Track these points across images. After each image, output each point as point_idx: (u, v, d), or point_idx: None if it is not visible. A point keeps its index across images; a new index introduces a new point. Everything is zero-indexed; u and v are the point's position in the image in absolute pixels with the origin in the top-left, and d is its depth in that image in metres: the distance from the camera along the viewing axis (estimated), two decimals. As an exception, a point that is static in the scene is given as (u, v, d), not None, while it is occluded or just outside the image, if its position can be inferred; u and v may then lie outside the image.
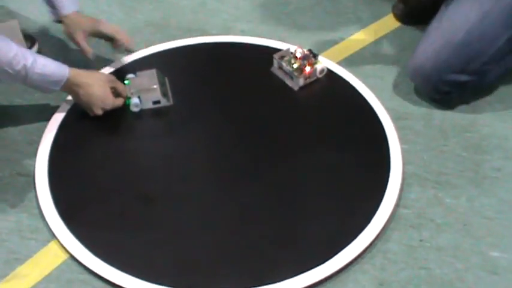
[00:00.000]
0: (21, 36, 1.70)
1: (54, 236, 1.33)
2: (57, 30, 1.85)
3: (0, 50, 1.37)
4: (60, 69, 1.46)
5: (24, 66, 1.40)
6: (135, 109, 1.58)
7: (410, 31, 1.85)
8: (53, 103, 1.62)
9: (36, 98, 1.63)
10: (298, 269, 1.24)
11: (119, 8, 1.97)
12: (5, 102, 1.64)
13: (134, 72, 1.63)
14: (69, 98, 1.58)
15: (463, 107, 1.61)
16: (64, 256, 1.30)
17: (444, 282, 1.24)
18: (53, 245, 1.32)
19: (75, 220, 1.35)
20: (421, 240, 1.31)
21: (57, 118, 1.58)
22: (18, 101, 1.64)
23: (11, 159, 1.50)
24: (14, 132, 1.56)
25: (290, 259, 1.27)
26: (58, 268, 1.28)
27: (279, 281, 1.22)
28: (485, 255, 1.29)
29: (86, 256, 1.28)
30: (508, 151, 1.50)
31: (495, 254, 1.29)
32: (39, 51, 1.73)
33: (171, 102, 1.61)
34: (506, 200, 1.39)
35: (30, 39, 1.75)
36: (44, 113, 1.59)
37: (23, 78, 1.42)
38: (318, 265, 1.24)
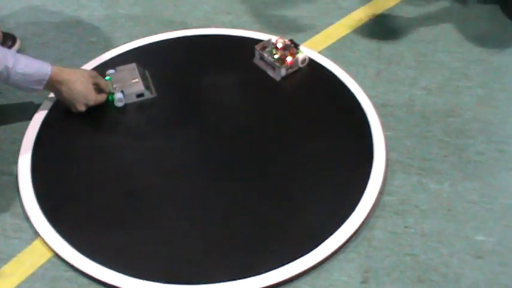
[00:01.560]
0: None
1: (38, 234, 1.32)
2: (37, 27, 1.84)
3: None
4: (43, 67, 1.45)
5: (6, 67, 1.38)
6: (119, 104, 1.57)
7: (391, 19, 1.85)
8: (36, 101, 1.61)
9: (19, 96, 1.62)
10: (284, 260, 1.24)
11: (100, 3, 1.95)
12: (-13, 101, 1.64)
13: (114, 68, 1.62)
14: (52, 95, 1.57)
15: (444, 92, 1.61)
16: (49, 254, 1.29)
17: (429, 268, 1.24)
18: (37, 244, 1.31)
19: (59, 218, 1.34)
20: (405, 227, 1.32)
21: (40, 116, 1.57)
22: (0, 99, 1.63)
23: (-7, 159, 1.49)
24: (-4, 131, 1.56)
25: (276, 250, 1.27)
26: (43, 266, 1.28)
27: (266, 271, 1.22)
28: (470, 239, 1.29)
29: (71, 253, 1.27)
30: (491, 135, 1.50)
31: (479, 237, 1.29)
32: (19, 49, 1.73)
33: (155, 94, 1.60)
34: (490, 184, 1.39)
35: (11, 38, 1.74)
36: (27, 111, 1.58)
37: (5, 79, 1.41)
38: (303, 255, 1.24)
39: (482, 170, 1.42)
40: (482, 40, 1.76)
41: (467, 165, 1.44)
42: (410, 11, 1.87)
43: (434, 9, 1.88)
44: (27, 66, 1.42)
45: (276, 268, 1.23)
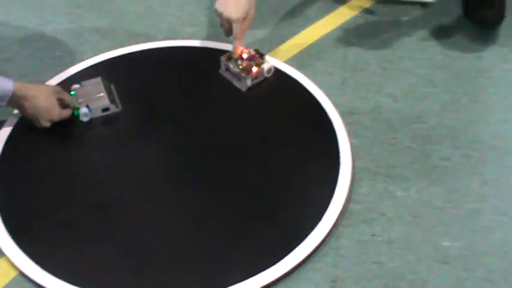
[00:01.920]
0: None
1: (2, 253, 1.30)
2: (0, 42, 1.82)
3: None
4: (4, 84, 1.43)
5: None
6: (84, 118, 1.56)
7: (356, 27, 1.86)
8: (0, 117, 1.59)
9: (-18, 114, 1.61)
10: (251, 271, 1.23)
11: (64, 16, 1.94)
12: (-50, 119, 1.61)
13: (79, 82, 1.61)
14: (16, 112, 1.56)
15: (410, 98, 1.62)
16: (14, 273, 1.27)
17: (396, 275, 1.25)
18: (1, 263, 1.29)
19: (25, 236, 1.33)
20: (372, 235, 1.32)
21: (5, 132, 1.55)
22: (-36, 116, 1.62)
23: (-43, 177, 1.47)
24: (-40, 149, 1.54)
25: (243, 261, 1.26)
26: (7, 286, 1.25)
27: (233, 283, 1.22)
28: (436, 245, 1.30)
29: (36, 272, 1.26)
30: (456, 140, 1.51)
31: (446, 243, 1.30)
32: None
33: (120, 108, 1.59)
34: (455, 189, 1.41)
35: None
36: (-9, 128, 1.57)
37: None
38: (270, 266, 1.24)
39: (447, 175, 1.44)
40: (446, 46, 1.78)
41: (433, 171, 1.45)
42: (374, 19, 1.89)
43: (399, 17, 1.89)
44: None
45: (243, 280, 1.22)
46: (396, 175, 1.44)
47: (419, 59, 1.75)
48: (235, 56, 1.64)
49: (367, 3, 1.95)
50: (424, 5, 1.92)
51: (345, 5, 1.95)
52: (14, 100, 1.46)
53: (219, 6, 1.61)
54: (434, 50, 1.77)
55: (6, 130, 1.55)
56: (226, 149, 1.50)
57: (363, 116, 1.58)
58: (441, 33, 1.83)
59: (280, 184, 1.41)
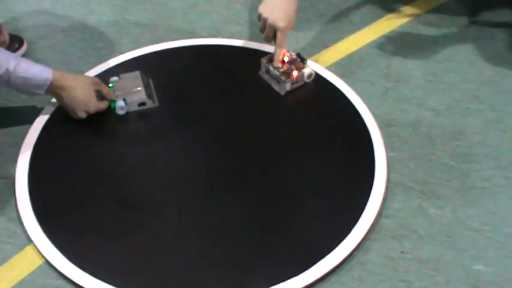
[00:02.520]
0: (6, 38, 1.68)
1: (31, 240, 1.31)
2: (45, 30, 1.84)
3: None
4: (44, 72, 1.44)
5: (7, 70, 1.38)
6: (120, 112, 1.56)
7: (402, 36, 1.82)
8: (39, 105, 1.60)
9: (23, 100, 1.61)
10: (275, 279, 1.21)
11: (110, 8, 1.95)
12: (-10, 103, 1.63)
13: (118, 75, 1.61)
14: (54, 100, 1.57)
15: (453, 114, 1.57)
16: (40, 261, 1.28)
17: (424, 296, 1.22)
18: (29, 250, 1.30)
19: (53, 225, 1.33)
20: (402, 252, 1.29)
21: (41, 120, 1.56)
22: (3, 102, 1.63)
23: (-8, 162, 1.49)
24: (-3, 133, 1.56)
25: (267, 269, 1.24)
26: (33, 273, 1.26)
27: (255, 291, 1.21)
28: (468, 268, 1.26)
29: (61, 262, 1.26)
30: (498, 161, 1.46)
31: (478, 267, 1.26)
32: (26, 52, 1.73)
33: (157, 103, 1.59)
34: (493, 211, 1.36)
35: (17, 40, 1.74)
36: (29, 115, 1.58)
37: (6, 82, 1.41)
38: (294, 276, 1.22)
39: (485, 196, 1.39)
40: (495, 61, 1.73)
41: (471, 191, 1.40)
42: (422, 29, 1.84)
43: (448, 28, 1.84)
44: (28, 70, 1.41)
45: (266, 288, 1.21)
46: (431, 192, 1.40)
47: (465, 73, 1.70)
48: (278, 63, 1.61)
49: (416, 12, 1.90)
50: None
51: (392, 13, 1.91)
52: (52, 89, 1.47)
53: (265, 11, 1.58)
54: (482, 65, 1.72)
55: (43, 118, 1.56)
56: (259, 153, 1.48)
57: (402, 128, 1.54)
58: (491, 48, 1.77)
59: (311, 192, 1.39)
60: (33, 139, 1.51)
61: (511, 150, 1.49)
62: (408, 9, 1.92)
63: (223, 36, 1.82)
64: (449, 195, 1.39)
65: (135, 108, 1.57)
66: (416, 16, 1.90)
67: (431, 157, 1.47)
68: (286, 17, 1.55)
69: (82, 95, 1.49)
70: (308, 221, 1.33)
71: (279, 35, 1.57)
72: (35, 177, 1.43)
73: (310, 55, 1.73)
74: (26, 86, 1.43)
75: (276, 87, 1.62)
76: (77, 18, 1.90)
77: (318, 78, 1.65)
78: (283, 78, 1.59)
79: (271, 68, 1.61)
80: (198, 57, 1.75)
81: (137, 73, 1.60)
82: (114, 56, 1.74)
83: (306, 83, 1.63)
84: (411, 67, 1.71)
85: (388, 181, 1.41)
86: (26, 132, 1.53)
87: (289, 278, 1.22)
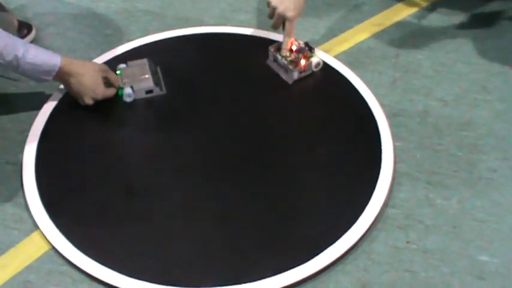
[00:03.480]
0: (15, 25, 1.69)
1: (37, 226, 1.32)
2: (53, 17, 1.84)
3: None
4: (52, 59, 1.44)
5: (16, 56, 1.39)
6: (128, 99, 1.56)
7: (411, 26, 1.81)
8: (47, 91, 1.61)
9: (31, 87, 1.62)
10: (279, 268, 1.21)
11: (118, -5, 1.95)
12: (-1, 90, 1.64)
13: (125, 62, 1.61)
14: (62, 86, 1.57)
15: (461, 104, 1.57)
16: (46, 247, 1.29)
17: (429, 286, 1.21)
18: (35, 236, 1.31)
19: (59, 211, 1.34)
20: (407, 242, 1.28)
21: (49, 107, 1.57)
22: (12, 89, 1.63)
23: (0, 148, 1.49)
24: (5, 120, 1.55)
25: (271, 258, 1.25)
26: (39, 259, 1.27)
27: (259, 279, 1.20)
28: (473, 259, 1.25)
29: (67, 248, 1.27)
30: (506, 152, 1.46)
31: (483, 258, 1.26)
32: (34, 38, 1.73)
33: (164, 91, 1.59)
34: (499, 203, 1.35)
35: (26, 27, 1.74)
36: (37, 102, 1.58)
37: (15, 68, 1.41)
38: (298, 265, 1.22)
39: (492, 187, 1.38)
40: (505, 52, 1.71)
41: (478, 182, 1.39)
42: (432, 19, 1.83)
43: (457, 19, 1.83)
44: (37, 56, 1.42)
45: (271, 276, 1.20)
46: (438, 182, 1.39)
47: (474, 63, 1.69)
48: (286, 52, 1.61)
49: (425, 2, 1.89)
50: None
51: (401, 3, 1.89)
52: (60, 75, 1.47)
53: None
54: (492, 55, 1.71)
55: (51, 105, 1.57)
56: (266, 141, 1.48)
57: (410, 118, 1.53)
58: (500, 39, 1.76)
59: (317, 181, 1.39)
60: (41, 126, 1.52)
61: (519, 142, 1.49)
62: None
63: (231, 25, 1.82)
64: (456, 186, 1.38)
65: (143, 95, 1.57)
66: (425, 6, 1.88)
67: (438, 147, 1.47)
68: (296, 6, 1.55)
69: (90, 82, 1.50)
70: (314, 210, 1.33)
71: (287, 24, 1.57)
72: (42, 163, 1.44)
73: (318, 44, 1.73)
74: (34, 72, 1.44)
75: (283, 75, 1.62)
76: (85, 6, 1.90)
77: (326, 67, 1.64)
78: (291, 67, 1.59)
79: (279, 57, 1.61)
80: (206, 45, 1.74)
81: (145, 61, 1.61)
82: (122, 44, 1.74)
83: (313, 72, 1.63)
84: (420, 57, 1.70)
85: (395, 171, 1.40)
86: (33, 119, 1.54)
87: (294, 267, 1.22)
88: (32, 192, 1.37)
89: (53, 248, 1.28)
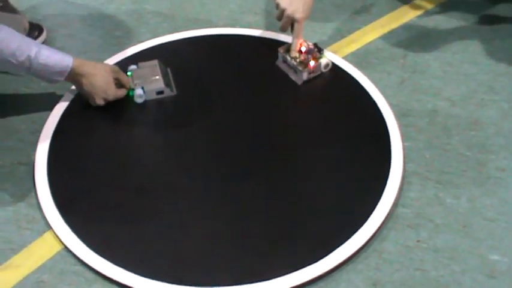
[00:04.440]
0: (26, 26, 1.70)
1: (50, 226, 1.33)
2: (64, 19, 1.86)
3: (3, 41, 1.37)
4: (64, 59, 1.46)
5: (28, 57, 1.40)
6: (139, 100, 1.57)
7: (419, 26, 1.82)
8: (58, 92, 1.62)
9: (42, 87, 1.63)
10: (291, 267, 1.22)
11: (128, -4, 1.97)
12: (11, 91, 1.65)
13: (136, 63, 1.62)
14: (73, 87, 1.58)
15: (469, 104, 1.57)
16: (59, 247, 1.30)
17: (439, 285, 1.22)
18: (48, 236, 1.32)
19: (72, 211, 1.35)
20: (418, 241, 1.29)
21: (61, 108, 1.58)
22: (23, 89, 1.65)
23: (12, 148, 1.50)
24: (17, 121, 1.57)
25: (283, 256, 1.26)
26: (52, 259, 1.28)
27: (271, 278, 1.21)
28: (484, 258, 1.26)
29: (80, 248, 1.28)
30: (514, 151, 1.47)
31: (494, 257, 1.26)
32: (45, 40, 1.75)
33: (175, 92, 1.60)
34: (509, 201, 1.36)
35: (37, 28, 1.75)
36: (49, 102, 1.60)
37: (27, 69, 1.42)
38: (310, 263, 1.23)
39: (501, 186, 1.39)
40: (511, 53, 1.72)
41: (487, 181, 1.40)
42: (439, 20, 1.84)
43: (464, 20, 1.84)
44: (49, 57, 1.43)
45: (282, 275, 1.21)
46: (447, 182, 1.40)
47: (481, 64, 1.70)
48: (295, 53, 1.62)
49: (432, 3, 1.90)
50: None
51: (409, 4, 1.90)
52: (72, 76, 1.48)
53: (283, 1, 1.58)
54: (498, 56, 1.71)
55: (62, 105, 1.58)
56: (276, 141, 1.49)
57: (419, 118, 1.54)
58: (507, 40, 1.77)
59: (327, 181, 1.40)
60: (53, 126, 1.53)
61: (527, 141, 1.50)
62: (423, 1, 1.91)
63: (240, 26, 1.83)
64: (465, 185, 1.39)
65: (153, 96, 1.58)
66: (433, 7, 1.89)
67: (447, 147, 1.48)
68: (305, 8, 1.56)
69: (101, 83, 1.51)
70: (325, 209, 1.34)
71: (296, 25, 1.58)
72: (54, 164, 1.45)
73: (327, 45, 1.74)
74: (46, 73, 1.45)
75: (293, 76, 1.63)
76: (95, 7, 1.92)
77: (335, 68, 1.65)
78: (300, 68, 1.60)
79: (288, 58, 1.62)
80: (215, 46, 1.75)
81: (155, 62, 1.62)
82: (133, 45, 1.76)
83: (322, 73, 1.64)
84: (428, 57, 1.71)
85: (405, 171, 1.41)
86: (45, 120, 1.55)
87: (306, 266, 1.23)
88: (45, 192, 1.39)
89: (66, 247, 1.29)
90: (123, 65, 1.64)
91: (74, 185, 1.41)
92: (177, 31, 1.80)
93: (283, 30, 1.62)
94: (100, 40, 1.78)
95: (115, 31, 1.82)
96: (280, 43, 1.68)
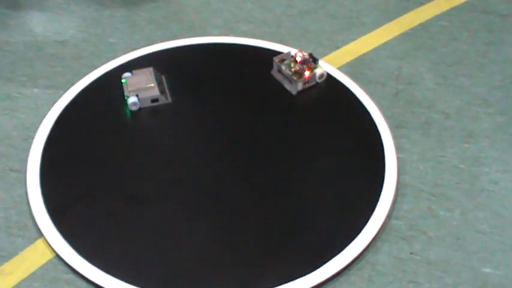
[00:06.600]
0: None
1: (41, 234, 1.32)
2: (58, 25, 1.85)
3: None
4: None
5: None
6: (133, 108, 1.57)
7: (413, 38, 1.82)
8: (51, 98, 1.61)
9: (35, 93, 1.63)
10: (284, 278, 1.22)
11: (122, 4, 1.95)
12: (2, 97, 1.63)
13: (131, 71, 1.62)
14: (67, 93, 1.57)
15: (463, 117, 1.58)
16: (50, 255, 1.29)
17: (432, 297, 1.22)
18: (40, 243, 1.31)
19: (64, 219, 1.34)
20: (411, 253, 1.29)
21: (53, 114, 1.57)
22: (15, 95, 1.64)
23: (4, 155, 1.49)
24: (9, 127, 1.56)
25: (277, 267, 1.25)
26: (43, 267, 1.27)
27: (264, 289, 1.21)
28: (477, 270, 1.26)
29: (72, 256, 1.27)
30: (507, 164, 1.47)
31: (487, 270, 1.27)
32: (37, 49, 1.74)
33: (169, 100, 1.60)
34: (502, 215, 1.36)
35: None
36: (42, 109, 1.59)
37: None
38: (303, 275, 1.22)
39: (494, 199, 1.39)
40: (505, 66, 1.73)
41: (480, 194, 1.40)
42: (433, 32, 1.84)
43: (459, 32, 1.85)
44: None
45: (275, 286, 1.21)
46: (441, 194, 1.40)
47: (475, 77, 1.70)
48: None
49: (426, 15, 1.91)
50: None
51: (403, 16, 1.91)
52: None
53: None
54: (492, 69, 1.72)
55: (55, 112, 1.57)
56: (269, 151, 1.48)
57: (413, 130, 1.54)
58: (501, 53, 1.78)
59: (321, 192, 1.39)
60: (45, 133, 1.52)
61: (520, 155, 1.50)
62: (419, 12, 1.92)
63: (235, 35, 1.83)
64: (458, 198, 1.40)
65: (148, 104, 1.58)
66: (427, 19, 1.90)
67: (441, 159, 1.48)
68: None
69: None
70: (318, 221, 1.34)
71: None
72: (46, 171, 1.44)
73: (322, 55, 1.74)
74: None
75: (287, 86, 1.63)
76: (89, 14, 1.91)
77: (330, 78, 1.65)
78: (295, 77, 1.60)
79: (283, 68, 1.62)
80: (210, 55, 1.75)
81: (150, 69, 1.61)
82: (127, 52, 1.75)
83: (317, 83, 1.64)
84: (422, 70, 1.72)
85: (398, 182, 1.41)
86: (38, 126, 1.54)
87: (299, 277, 1.22)
88: (36, 199, 1.37)
89: (58, 255, 1.28)
90: (117, 72, 1.63)
91: (66, 193, 1.40)
92: (172, 39, 1.80)
93: None
94: (94, 47, 1.77)
95: (109, 38, 1.82)
96: (275, 52, 1.68)
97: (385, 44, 1.81)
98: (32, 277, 1.25)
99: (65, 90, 1.61)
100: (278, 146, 1.50)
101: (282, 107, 1.60)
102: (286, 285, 1.21)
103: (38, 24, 1.86)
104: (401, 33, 1.84)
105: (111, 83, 1.63)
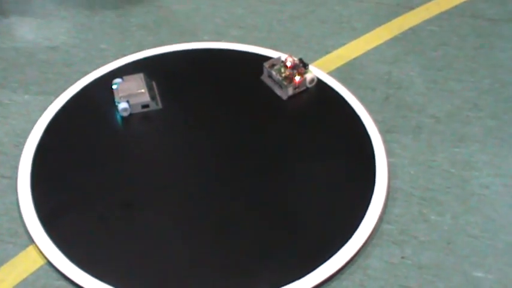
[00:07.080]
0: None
1: (32, 241, 1.31)
2: (49, 30, 1.84)
3: None
4: None
5: None
6: (124, 113, 1.57)
7: (403, 43, 1.83)
8: (42, 105, 1.61)
9: (26, 100, 1.62)
10: (276, 283, 1.22)
11: (113, 10, 1.95)
12: (-7, 103, 1.64)
13: (121, 77, 1.62)
14: (58, 99, 1.57)
15: (453, 121, 1.59)
16: (41, 261, 1.29)
17: (424, 301, 1.22)
18: (31, 250, 1.31)
19: (55, 225, 1.34)
20: (402, 258, 1.29)
21: (44, 120, 1.56)
22: (6, 102, 1.63)
23: (-5, 161, 1.49)
24: (0, 133, 1.55)
25: (268, 272, 1.25)
26: (34, 273, 1.27)
27: (256, 294, 1.21)
28: (468, 275, 1.27)
29: (63, 263, 1.27)
30: (498, 168, 1.47)
31: (478, 274, 1.27)
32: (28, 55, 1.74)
33: (160, 106, 1.60)
34: (493, 218, 1.37)
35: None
36: (33, 115, 1.58)
37: None
38: (295, 280, 1.22)
39: (485, 203, 1.40)
40: (495, 70, 1.74)
41: (471, 198, 1.41)
42: (423, 37, 1.85)
43: (448, 37, 1.85)
44: None
45: (267, 291, 1.21)
46: (432, 198, 1.41)
47: (465, 81, 1.71)
48: None
49: (416, 20, 1.92)
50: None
51: (393, 21, 1.92)
52: None
53: None
54: (483, 73, 1.73)
55: (47, 118, 1.57)
56: (260, 157, 1.48)
57: (403, 135, 1.55)
58: (491, 57, 1.79)
59: (312, 197, 1.40)
60: (36, 139, 1.52)
61: (510, 158, 1.50)
62: (409, 17, 1.93)
63: (226, 40, 1.83)
64: (449, 202, 1.40)
65: (139, 110, 1.57)
66: (417, 24, 1.91)
67: (431, 164, 1.48)
68: None
69: None
70: (309, 225, 1.34)
71: None
72: (37, 177, 1.44)
73: (313, 60, 1.74)
74: None
75: (278, 91, 1.63)
76: (80, 19, 1.91)
77: (320, 83, 1.66)
78: (285, 83, 1.60)
79: (273, 73, 1.62)
80: (200, 60, 1.75)
81: (141, 75, 1.61)
82: (118, 58, 1.75)
83: (308, 88, 1.64)
84: (412, 74, 1.73)
85: (389, 187, 1.42)
86: (29, 132, 1.53)
87: (290, 282, 1.22)
88: (28, 206, 1.37)
89: (49, 262, 1.28)
90: (108, 78, 1.63)
91: (57, 199, 1.40)
92: (163, 44, 1.80)
93: None
94: (84, 53, 1.77)
95: (100, 44, 1.82)
96: (265, 58, 1.69)
97: (375, 48, 1.81)
98: (23, 284, 1.25)
99: (56, 96, 1.61)
100: (268, 152, 1.50)
101: (273, 112, 1.60)
102: (277, 290, 1.21)
103: (28, 30, 1.85)
104: (392, 37, 1.85)
105: (101, 89, 1.63)
